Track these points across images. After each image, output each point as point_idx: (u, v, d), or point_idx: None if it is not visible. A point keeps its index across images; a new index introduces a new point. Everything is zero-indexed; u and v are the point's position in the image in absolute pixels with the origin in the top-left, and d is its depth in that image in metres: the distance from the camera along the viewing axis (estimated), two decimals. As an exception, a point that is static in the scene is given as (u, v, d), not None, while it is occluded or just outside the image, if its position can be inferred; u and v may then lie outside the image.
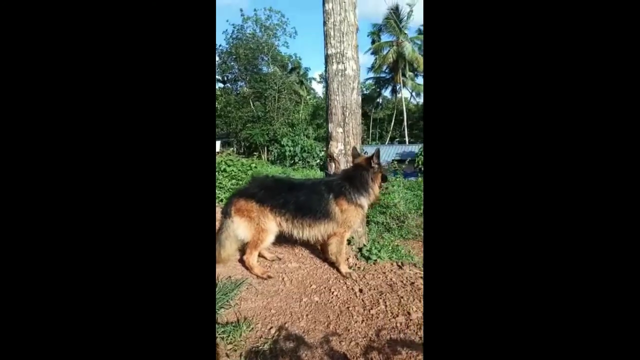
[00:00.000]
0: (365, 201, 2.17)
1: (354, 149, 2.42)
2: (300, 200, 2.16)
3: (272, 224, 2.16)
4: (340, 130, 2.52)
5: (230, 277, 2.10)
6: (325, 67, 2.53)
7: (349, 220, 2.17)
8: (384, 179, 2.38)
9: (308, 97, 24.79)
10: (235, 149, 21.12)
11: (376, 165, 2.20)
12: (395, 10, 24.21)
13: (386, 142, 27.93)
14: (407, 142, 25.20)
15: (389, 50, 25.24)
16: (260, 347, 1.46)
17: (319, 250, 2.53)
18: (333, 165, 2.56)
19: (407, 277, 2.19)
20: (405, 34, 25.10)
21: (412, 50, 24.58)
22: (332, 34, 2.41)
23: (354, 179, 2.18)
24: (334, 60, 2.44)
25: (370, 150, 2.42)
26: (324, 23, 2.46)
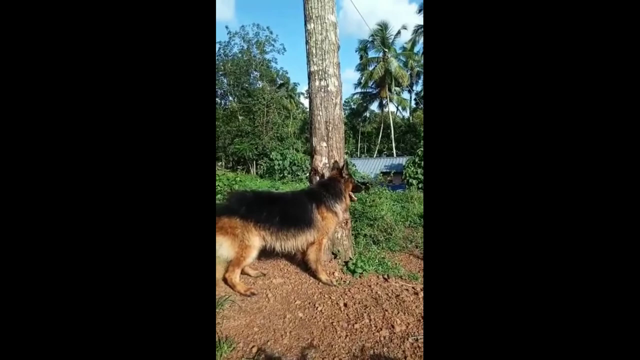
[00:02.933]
0: (339, 208, 2.32)
1: (335, 162, 2.52)
2: (285, 212, 2.19)
3: (257, 239, 2.14)
4: (324, 144, 2.56)
5: (212, 294, 2.05)
6: (309, 84, 2.59)
7: (327, 226, 2.29)
8: (357, 189, 2.54)
9: (297, 111, 25.09)
10: (223, 164, 20.96)
11: (346, 176, 2.40)
12: (383, 27, 25.18)
13: (374, 155, 28.33)
14: (394, 155, 25.64)
15: (375, 66, 26.05)
16: (241, 368, 1.42)
17: (304, 265, 2.50)
18: (317, 178, 2.58)
19: (392, 290, 2.19)
20: (394, 49, 26.04)
21: (398, 67, 25.46)
22: (314, 52, 2.50)
23: (329, 188, 2.34)
24: (316, 77, 2.51)
25: (358, 162, 2.51)
26: (306, 42, 2.54)
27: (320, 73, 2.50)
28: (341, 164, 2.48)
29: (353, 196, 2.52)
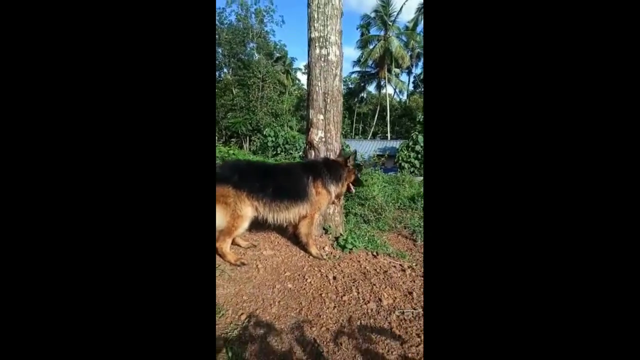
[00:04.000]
0: (333, 189, 2.32)
1: (342, 150, 2.57)
2: (279, 183, 2.15)
3: (249, 209, 2.10)
4: (321, 117, 2.48)
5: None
6: (308, 52, 2.46)
7: (320, 202, 2.29)
8: (358, 182, 2.55)
9: (293, 87, 24.45)
10: (216, 137, 20.55)
11: (351, 166, 2.40)
12: (386, 3, 24.18)
13: (369, 137, 28.20)
14: (389, 138, 25.56)
15: (376, 45, 25.27)
16: (230, 333, 1.43)
17: (295, 238, 2.50)
18: (313, 153, 2.53)
19: (380, 266, 2.22)
20: (397, 27, 25.15)
21: (399, 46, 24.75)
22: (316, 16, 2.35)
23: (331, 168, 2.31)
24: (317, 45, 2.38)
25: (352, 143, 2.49)
26: (308, 5, 2.38)
27: (321, 40, 2.37)
28: (339, 138, 2.43)
29: (352, 188, 2.52)
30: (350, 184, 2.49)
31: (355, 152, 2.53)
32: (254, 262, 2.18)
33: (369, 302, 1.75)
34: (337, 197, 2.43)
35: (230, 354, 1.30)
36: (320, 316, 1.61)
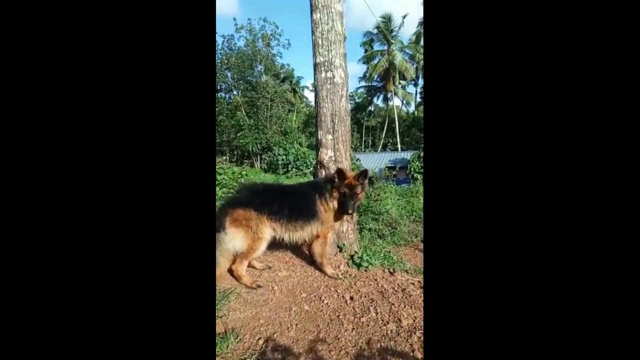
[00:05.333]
0: (332, 205, 2.22)
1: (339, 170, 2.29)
2: (293, 203, 2.19)
3: (268, 231, 2.15)
4: (330, 137, 2.53)
5: (217, 287, 2.05)
6: (314, 75, 2.55)
7: (330, 220, 2.24)
8: (368, 183, 2.42)
9: (301, 105, 24.96)
10: (227, 158, 21.01)
11: (360, 181, 2.16)
12: (387, 19, 24.79)
13: (379, 150, 28.17)
14: (399, 150, 25.46)
15: (380, 59, 25.72)
16: (248, 359, 1.42)
17: (310, 258, 2.50)
18: (323, 172, 2.56)
19: (398, 284, 2.18)
20: (400, 41, 25.64)
21: (403, 60, 25.11)
22: (320, 42, 2.45)
23: (327, 184, 2.24)
24: (322, 69, 2.47)
25: (362, 157, 2.46)
26: (312, 32, 2.49)
27: (326, 64, 2.46)
28: (348, 157, 2.43)
29: (358, 192, 2.31)
30: (352, 191, 2.14)
31: (365, 171, 2.22)
32: (269, 284, 2.18)
33: (388, 322, 1.71)
34: (336, 208, 2.21)
35: (250, 382, 1.29)
36: (338, 339, 1.58)
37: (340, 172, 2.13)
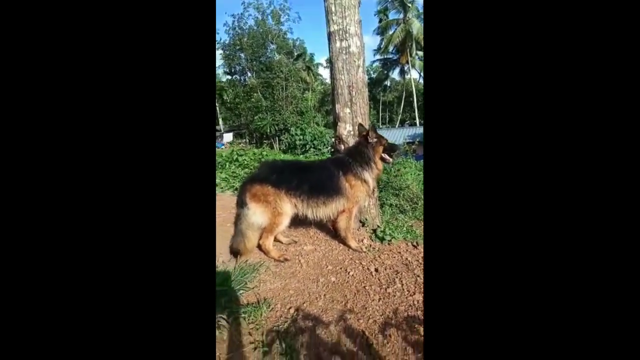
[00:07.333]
0: (369, 176, 2.24)
1: (360, 125, 2.38)
2: (313, 180, 2.19)
3: (288, 206, 2.18)
4: (348, 110, 2.47)
5: (247, 260, 2.14)
6: (329, 46, 2.45)
7: (357, 195, 2.25)
8: (392, 148, 2.33)
9: (315, 83, 24.44)
10: (247, 140, 21.26)
11: (374, 140, 2.25)
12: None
13: (396, 125, 27.37)
14: (417, 124, 24.59)
15: (395, 29, 24.33)
16: (281, 326, 1.50)
17: (334, 232, 2.53)
18: (342, 147, 2.53)
19: (422, 257, 2.17)
20: (416, 8, 23.97)
21: (421, 28, 23.60)
22: (333, 9, 2.32)
23: (357, 155, 2.25)
24: (337, 38, 2.36)
25: (380, 133, 2.37)
26: (325, -1, 2.37)
27: (340, 33, 2.35)
28: (366, 127, 2.36)
29: (388, 158, 2.30)
30: (385, 155, 2.29)
31: (372, 124, 2.34)
32: (296, 258, 2.25)
33: (414, 293, 1.73)
34: (375, 178, 2.29)
35: (283, 345, 1.36)
36: (366, 308, 1.63)
37: (367, 132, 2.24)
